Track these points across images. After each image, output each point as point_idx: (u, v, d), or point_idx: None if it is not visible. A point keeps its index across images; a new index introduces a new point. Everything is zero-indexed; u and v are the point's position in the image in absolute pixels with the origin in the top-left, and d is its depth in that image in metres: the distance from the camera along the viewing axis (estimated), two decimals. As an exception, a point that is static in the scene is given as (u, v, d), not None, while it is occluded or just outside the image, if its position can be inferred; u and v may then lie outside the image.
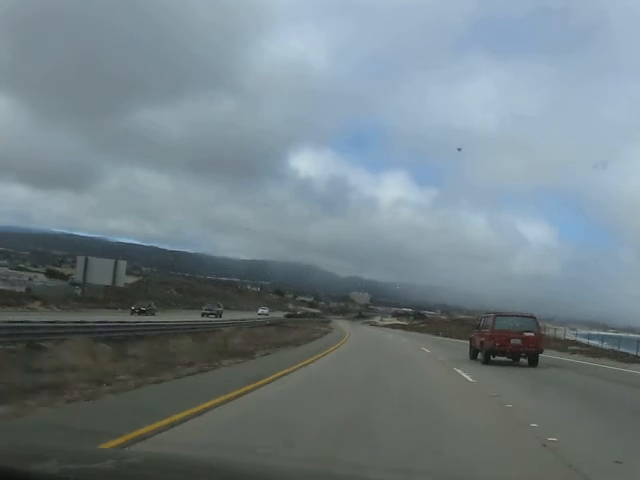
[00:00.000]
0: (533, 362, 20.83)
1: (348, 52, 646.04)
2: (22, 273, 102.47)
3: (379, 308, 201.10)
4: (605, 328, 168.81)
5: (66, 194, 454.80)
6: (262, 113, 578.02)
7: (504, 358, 21.53)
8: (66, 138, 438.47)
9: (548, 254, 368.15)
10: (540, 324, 23.23)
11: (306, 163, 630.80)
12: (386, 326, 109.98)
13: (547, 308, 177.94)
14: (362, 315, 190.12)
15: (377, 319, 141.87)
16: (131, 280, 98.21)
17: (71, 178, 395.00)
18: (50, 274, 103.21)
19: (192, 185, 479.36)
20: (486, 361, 21.02)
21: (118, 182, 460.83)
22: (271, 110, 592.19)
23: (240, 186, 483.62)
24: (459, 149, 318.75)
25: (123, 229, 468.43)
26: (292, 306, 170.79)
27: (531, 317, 22.97)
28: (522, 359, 21.42)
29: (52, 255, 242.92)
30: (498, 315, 22.26)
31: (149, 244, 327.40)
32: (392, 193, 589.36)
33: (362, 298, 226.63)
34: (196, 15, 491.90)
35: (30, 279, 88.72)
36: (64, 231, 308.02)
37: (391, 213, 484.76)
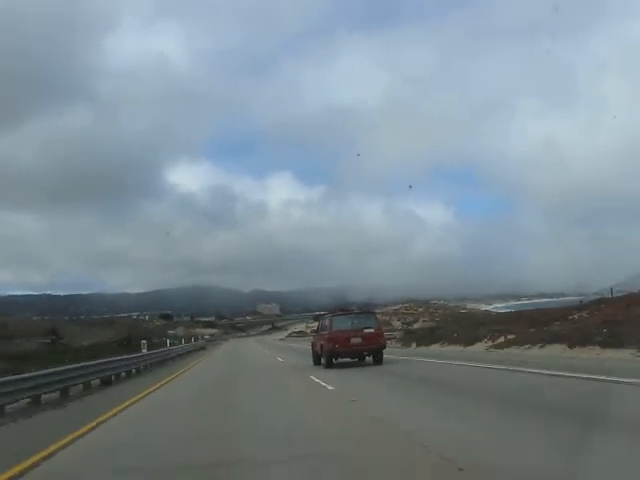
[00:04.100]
0: (378, 360, 20.29)
1: (210, 49, 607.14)
2: None
3: (294, 315, 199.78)
4: (518, 297, 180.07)
5: None
6: (125, 124, 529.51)
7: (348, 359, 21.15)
8: None
9: (451, 234, 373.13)
10: (380, 319, 24.23)
11: (184, 176, 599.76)
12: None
13: (458, 288, 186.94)
14: (276, 327, 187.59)
15: (302, 326, 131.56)
16: None
17: None
18: None
19: (65, 219, 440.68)
20: (328, 365, 20.26)
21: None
22: (135, 120, 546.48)
23: (117, 212, 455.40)
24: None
25: (9, 280, 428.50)
26: (179, 331, 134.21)
27: (369, 313, 23.27)
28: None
29: None
30: (335, 315, 21.71)
31: (41, 292, 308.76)
32: (280, 196, 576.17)
33: (271, 309, 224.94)
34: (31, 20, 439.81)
35: None
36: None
37: (283, 218, 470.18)
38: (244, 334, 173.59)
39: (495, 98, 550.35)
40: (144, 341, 36.77)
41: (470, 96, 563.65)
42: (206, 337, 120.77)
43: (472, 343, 26.77)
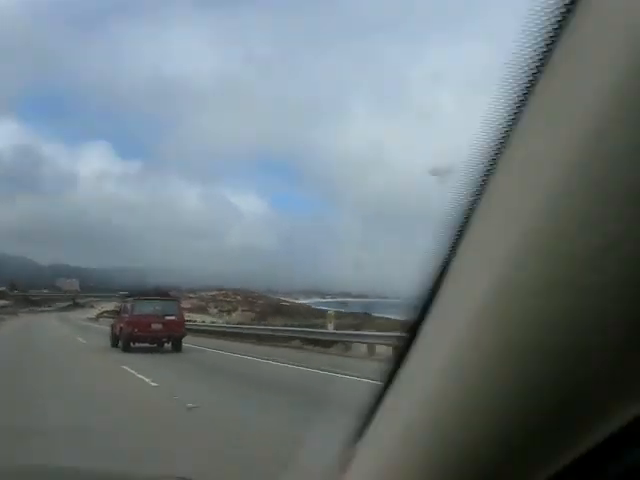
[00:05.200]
0: (177, 347, 20.65)
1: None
2: None
3: (97, 294, 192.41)
4: (323, 295, 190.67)
5: None
6: None
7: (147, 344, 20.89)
8: None
9: (265, 226, 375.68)
10: (182, 307, 23.79)
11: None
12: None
13: (265, 280, 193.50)
14: (77, 303, 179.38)
15: (111, 305, 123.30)
16: None
17: None
18: None
19: None
20: (125, 348, 20.27)
21: None
22: None
23: None
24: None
25: None
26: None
27: (173, 300, 23.43)
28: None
29: None
30: (138, 299, 21.55)
31: None
32: (93, 166, 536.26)
33: (70, 285, 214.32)
34: None
35: None
36: None
37: (94, 190, 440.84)
38: (40, 308, 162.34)
39: (330, 95, 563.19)
40: None
41: (305, 89, 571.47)
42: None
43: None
